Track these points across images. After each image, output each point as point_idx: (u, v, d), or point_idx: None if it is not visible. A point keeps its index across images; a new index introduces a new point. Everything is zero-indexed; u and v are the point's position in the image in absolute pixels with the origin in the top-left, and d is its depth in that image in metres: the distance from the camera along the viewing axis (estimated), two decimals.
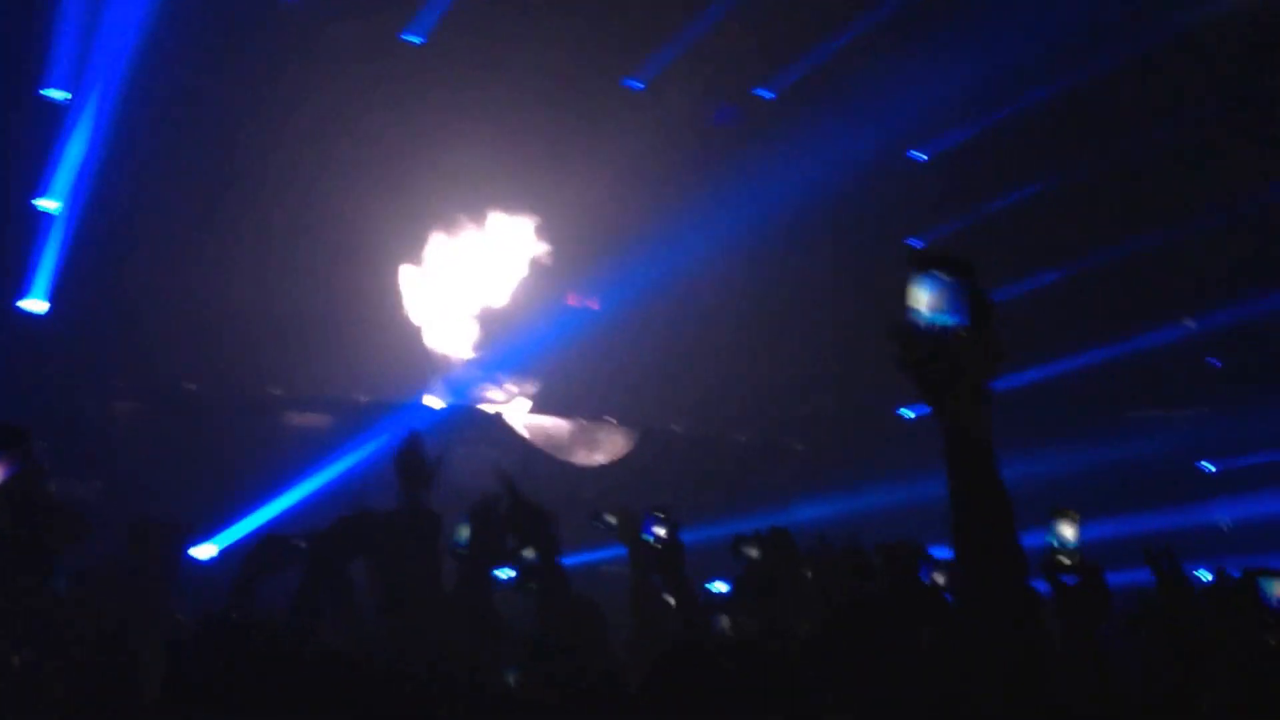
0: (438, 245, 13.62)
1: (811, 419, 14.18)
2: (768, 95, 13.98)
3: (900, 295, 2.59)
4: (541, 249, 14.01)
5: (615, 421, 14.04)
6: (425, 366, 13.40)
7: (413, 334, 13.46)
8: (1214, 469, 14.22)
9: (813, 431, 14.29)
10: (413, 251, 13.52)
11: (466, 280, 13.73)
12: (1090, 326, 13.54)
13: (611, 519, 5.59)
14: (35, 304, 11.44)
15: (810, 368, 13.94)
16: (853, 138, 13.23)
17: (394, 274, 13.41)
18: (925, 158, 14.53)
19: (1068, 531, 3.77)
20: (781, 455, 14.25)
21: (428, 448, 4.95)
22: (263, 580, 4.61)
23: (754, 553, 6.02)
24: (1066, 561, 3.73)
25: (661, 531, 5.52)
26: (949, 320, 2.54)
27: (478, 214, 13.78)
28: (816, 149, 13.06)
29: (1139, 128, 13.01)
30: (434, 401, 13.25)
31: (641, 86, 13.72)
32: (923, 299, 2.54)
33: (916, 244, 13.62)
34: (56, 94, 11.49)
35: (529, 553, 4.92)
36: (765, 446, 14.30)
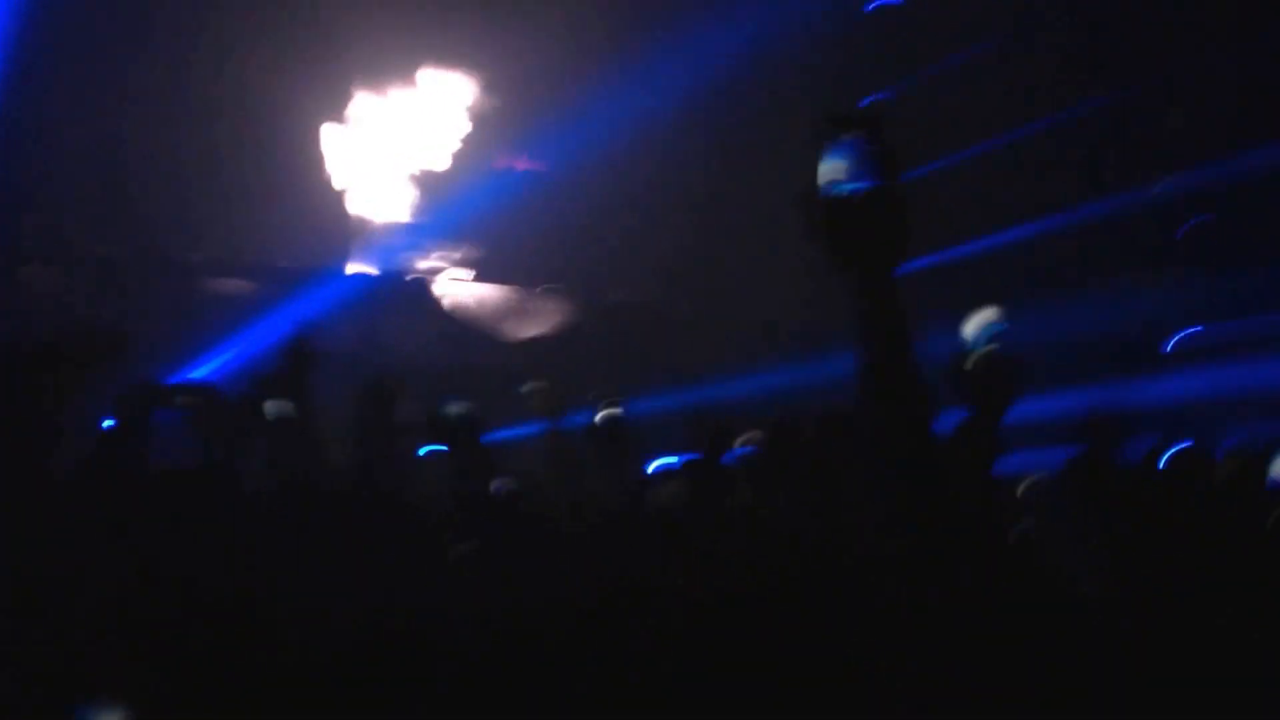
0: (368, 103, 13.39)
1: (761, 289, 14.08)
2: None
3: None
4: (481, 107, 13.79)
5: (559, 290, 13.91)
6: (354, 232, 13.21)
7: (339, 198, 13.23)
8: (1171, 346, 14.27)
9: (761, 302, 14.21)
10: (338, 109, 13.26)
11: (400, 140, 13.49)
12: (1053, 190, 13.46)
13: (534, 387, 5.53)
14: None
15: (764, 236, 13.82)
16: None
17: (318, 133, 13.13)
18: (881, 5, 14.25)
19: (968, 329, 3.70)
20: (732, 327, 14.18)
21: (316, 337, 4.89)
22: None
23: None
24: (967, 365, 3.67)
25: (602, 416, 5.46)
26: (851, 185, 2.56)
27: (409, 69, 13.51)
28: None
29: None
30: (364, 269, 13.07)
31: None
32: (826, 163, 2.56)
33: (867, 101, 13.43)
34: None
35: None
36: (714, 318, 14.23)
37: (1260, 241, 12.27)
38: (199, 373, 10.92)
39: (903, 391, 2.54)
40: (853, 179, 2.57)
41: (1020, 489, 4.40)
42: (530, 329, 13.87)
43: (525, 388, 5.60)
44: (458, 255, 13.76)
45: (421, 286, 13.57)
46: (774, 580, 3.78)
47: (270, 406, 4.73)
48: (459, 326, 13.47)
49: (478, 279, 13.78)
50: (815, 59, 13.38)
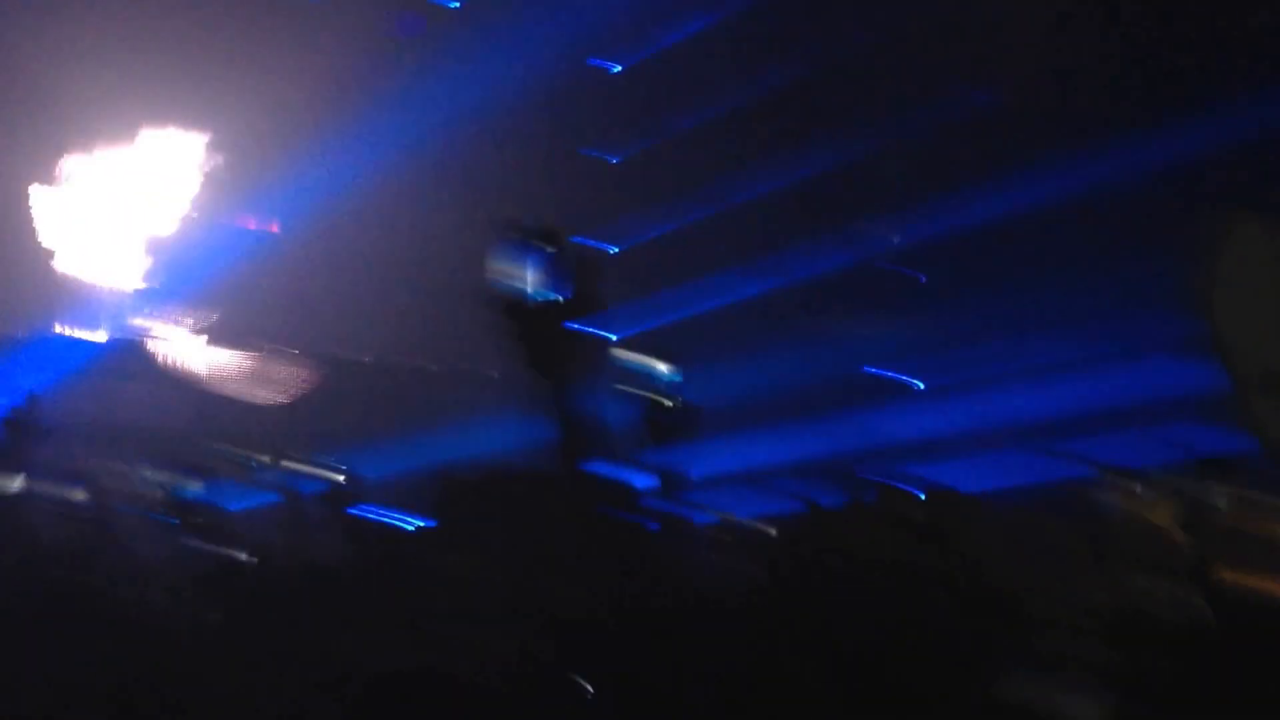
0: (89, 166, 13.00)
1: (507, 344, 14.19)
2: (451, 3, 13.84)
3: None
4: (212, 167, 13.58)
5: (299, 353, 13.77)
6: (80, 297, 12.84)
7: (65, 263, 12.86)
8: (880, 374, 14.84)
9: (508, 357, 14.32)
10: (55, 172, 12.86)
11: (127, 202, 13.17)
12: (789, 244, 13.96)
13: (263, 459, 5.55)
14: None
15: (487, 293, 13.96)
16: (540, 46, 13.23)
17: (30, 197, 12.73)
18: (616, 69, 14.64)
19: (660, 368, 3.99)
20: (477, 383, 14.27)
21: (41, 410, 4.88)
22: None
23: None
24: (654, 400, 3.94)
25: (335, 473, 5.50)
26: (544, 294, 2.77)
27: (129, 132, 13.23)
28: (502, 59, 13.02)
29: (843, 32, 13.40)
30: (94, 335, 12.72)
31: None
32: (519, 270, 2.78)
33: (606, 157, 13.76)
34: None
35: None
36: (459, 374, 14.30)
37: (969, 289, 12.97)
38: None
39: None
40: (543, 286, 2.75)
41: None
42: (275, 392, 13.69)
43: (255, 460, 5.61)
44: (197, 318, 13.51)
45: (156, 351, 13.26)
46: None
47: None
48: (196, 391, 13.21)
49: (215, 343, 13.55)
50: (544, 115, 13.65)
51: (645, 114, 14.20)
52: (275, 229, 13.75)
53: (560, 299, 2.76)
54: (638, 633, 2.64)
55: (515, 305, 2.78)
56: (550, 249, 2.77)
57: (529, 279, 2.76)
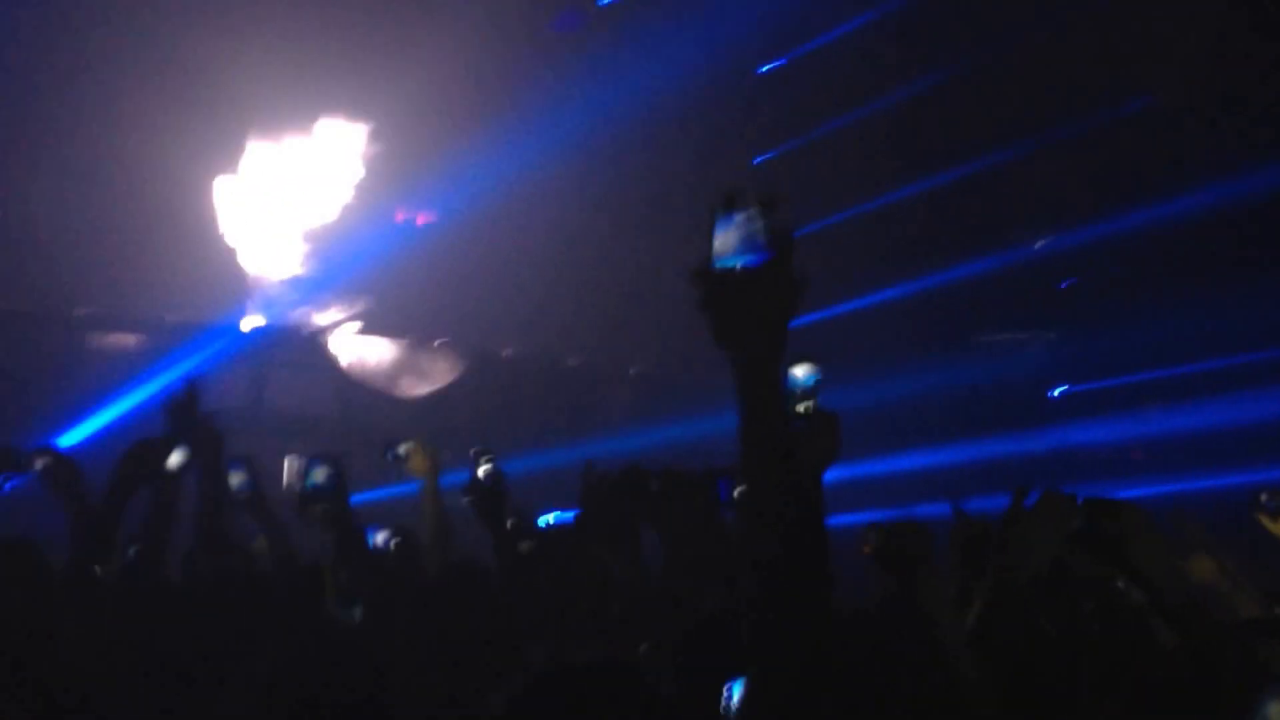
0: (257, 155, 13.43)
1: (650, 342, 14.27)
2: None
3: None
4: (370, 161, 13.87)
5: (447, 344, 14.02)
6: (243, 285, 13.23)
7: (229, 251, 13.27)
8: (1060, 394, 14.69)
9: (651, 355, 14.40)
10: (228, 162, 13.30)
11: (288, 193, 13.54)
12: (939, 246, 13.83)
13: (405, 449, 5.59)
14: None
15: (650, 288, 14.04)
16: (697, 47, 13.27)
17: (208, 187, 13.16)
18: (774, 66, 14.61)
19: (799, 372, 3.90)
20: (619, 380, 14.38)
21: (201, 401, 4.96)
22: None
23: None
24: (799, 408, 3.86)
25: (482, 472, 5.52)
26: (741, 260, 2.64)
27: (301, 124, 13.61)
28: (660, 56, 13.08)
29: (991, 37, 13.23)
30: (251, 322, 13.10)
31: None
32: (721, 238, 2.65)
33: (757, 160, 13.75)
34: None
35: None
36: (601, 370, 14.41)
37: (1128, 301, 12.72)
38: (84, 428, 10.92)
39: (778, 462, 2.67)
40: (744, 253, 2.64)
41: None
42: (421, 383, 13.94)
43: (399, 448, 5.66)
44: (349, 308, 13.82)
45: (313, 340, 13.60)
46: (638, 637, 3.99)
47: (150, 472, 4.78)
48: (350, 380, 13.51)
49: (366, 332, 13.85)
50: (709, 117, 13.66)
51: (796, 112, 14.17)
52: (431, 220, 13.99)
53: (763, 272, 2.66)
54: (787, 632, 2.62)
55: (717, 278, 2.68)
56: (761, 219, 2.68)
57: (735, 250, 2.67)
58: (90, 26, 12.08)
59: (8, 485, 4.85)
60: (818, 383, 3.93)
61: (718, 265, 2.62)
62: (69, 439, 10.45)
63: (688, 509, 4.91)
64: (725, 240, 2.64)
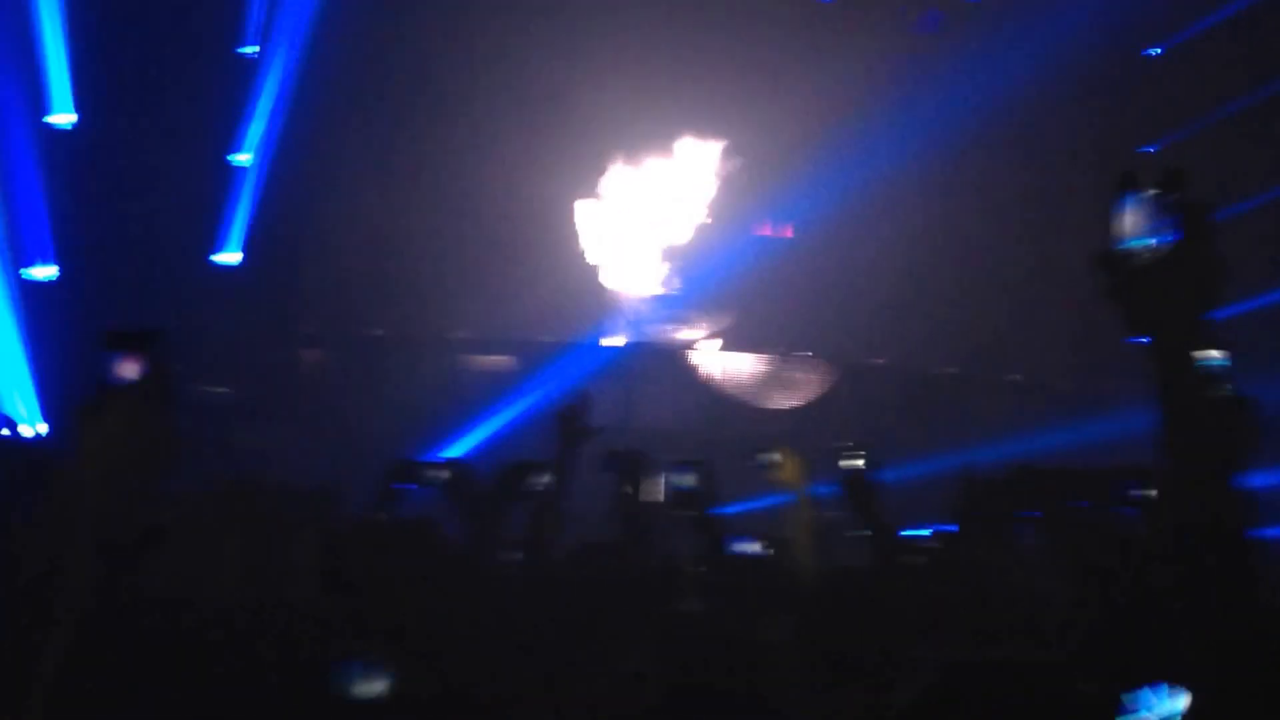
0: (618, 176, 13.74)
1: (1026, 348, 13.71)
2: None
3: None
4: (728, 176, 13.95)
5: (812, 356, 13.86)
6: (607, 304, 13.56)
7: (593, 270, 13.62)
8: None
9: (1030, 362, 13.83)
10: (591, 183, 13.68)
11: (648, 212, 13.78)
12: None
13: (774, 457, 5.49)
14: (229, 256, 12.36)
15: (1028, 290, 13.49)
16: (1072, 34, 12.67)
17: (572, 208, 13.55)
18: (1158, 52, 13.77)
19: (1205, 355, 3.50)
20: (995, 388, 13.84)
21: (589, 410, 5.22)
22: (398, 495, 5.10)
23: None
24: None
25: (855, 466, 5.40)
26: (1152, 241, 2.42)
27: (662, 143, 13.86)
28: (1034, 49, 12.58)
29: None
30: (616, 340, 13.38)
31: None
32: (1124, 220, 2.44)
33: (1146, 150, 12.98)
34: (246, 50, 12.45)
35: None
36: (977, 379, 13.91)
37: None
38: (461, 445, 11.39)
39: (1208, 457, 2.43)
40: (1152, 234, 2.45)
41: None
42: (788, 395, 13.86)
43: (762, 457, 5.57)
44: (712, 324, 13.91)
45: (677, 356, 13.76)
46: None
47: (533, 481, 5.04)
48: (716, 395, 13.59)
49: (730, 347, 13.90)
50: (1089, 104, 13.07)
51: (1188, 96, 13.32)
52: (791, 232, 13.94)
53: (1177, 252, 2.39)
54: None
55: (1123, 260, 2.42)
56: (1169, 197, 2.42)
57: (1141, 231, 2.41)
58: (455, 63, 12.82)
59: (406, 492, 5.22)
60: (1228, 368, 3.59)
61: (1122, 247, 2.40)
62: (450, 453, 10.95)
63: (1081, 509, 4.69)
64: (1128, 221, 2.43)
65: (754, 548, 5.38)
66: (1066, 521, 4.55)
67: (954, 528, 5.08)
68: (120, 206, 11.61)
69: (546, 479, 5.03)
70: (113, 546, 3.65)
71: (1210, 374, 3.51)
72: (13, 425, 9.63)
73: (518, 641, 3.82)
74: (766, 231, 14.02)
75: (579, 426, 5.24)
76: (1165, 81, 13.48)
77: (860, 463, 5.27)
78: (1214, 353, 3.59)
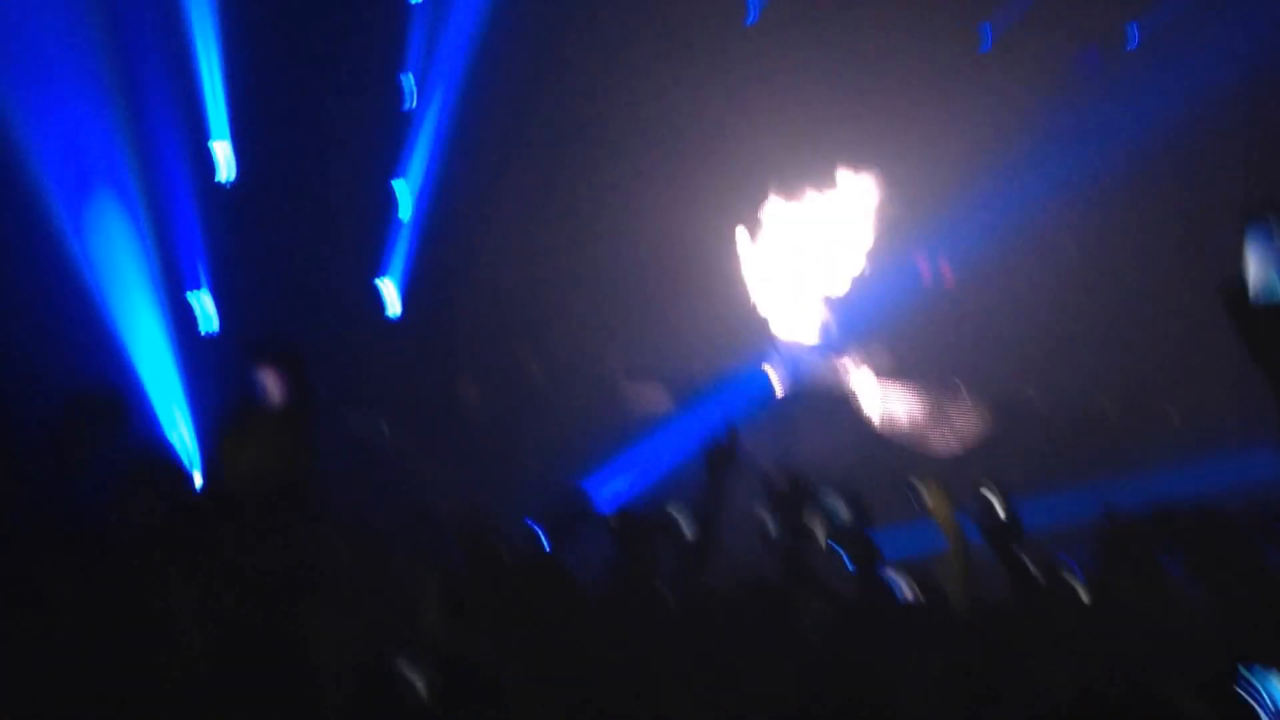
0: (780, 217, 13.85)
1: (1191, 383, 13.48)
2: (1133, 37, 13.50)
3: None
4: (887, 211, 13.99)
5: (965, 389, 13.84)
6: (766, 339, 13.68)
7: (753, 307, 13.76)
8: None
9: (1194, 397, 13.59)
10: (751, 222, 13.82)
11: (808, 247, 13.88)
12: None
13: (921, 487, 5.60)
14: (389, 289, 12.83)
15: (1187, 328, 13.28)
16: (1216, 70, 12.55)
17: (732, 247, 13.72)
18: None
19: None
20: (1157, 424, 13.63)
21: (738, 442, 5.32)
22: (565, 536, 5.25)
23: None
24: None
25: (992, 503, 5.47)
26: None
27: (821, 182, 13.92)
28: (1190, 86, 12.48)
29: None
30: (772, 374, 13.50)
31: (987, 47, 13.76)
32: (1252, 254, 2.42)
33: None
34: (403, 82, 12.84)
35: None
36: (1137, 415, 13.72)
37: None
38: (621, 481, 11.61)
39: None
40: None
41: None
42: (945, 430, 13.84)
43: (912, 487, 5.68)
44: (871, 359, 13.97)
45: (836, 391, 13.84)
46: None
47: (686, 525, 5.20)
48: (873, 430, 13.64)
49: (888, 381, 13.93)
50: (1225, 144, 12.91)
51: None
52: (950, 268, 13.95)
53: None
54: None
55: (1249, 305, 2.40)
56: None
57: (1270, 269, 2.40)
58: (615, 101, 13.10)
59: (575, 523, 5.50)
60: None
61: (1255, 295, 2.37)
62: (608, 490, 11.14)
63: (1226, 550, 4.70)
64: (1259, 258, 2.36)
65: (904, 579, 5.52)
66: (1208, 561, 4.58)
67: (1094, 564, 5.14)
68: (279, 236, 11.89)
69: (697, 514, 5.15)
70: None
71: None
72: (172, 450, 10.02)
73: (671, 675, 3.97)
74: (926, 272, 14.03)
75: (727, 460, 5.34)
76: None
77: (996, 498, 5.36)
78: None
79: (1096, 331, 13.37)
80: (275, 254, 11.78)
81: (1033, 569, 5.23)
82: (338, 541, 5.12)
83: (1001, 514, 5.39)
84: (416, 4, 12.60)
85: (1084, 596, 4.73)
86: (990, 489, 5.44)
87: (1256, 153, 12.90)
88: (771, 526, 5.48)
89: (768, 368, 13.65)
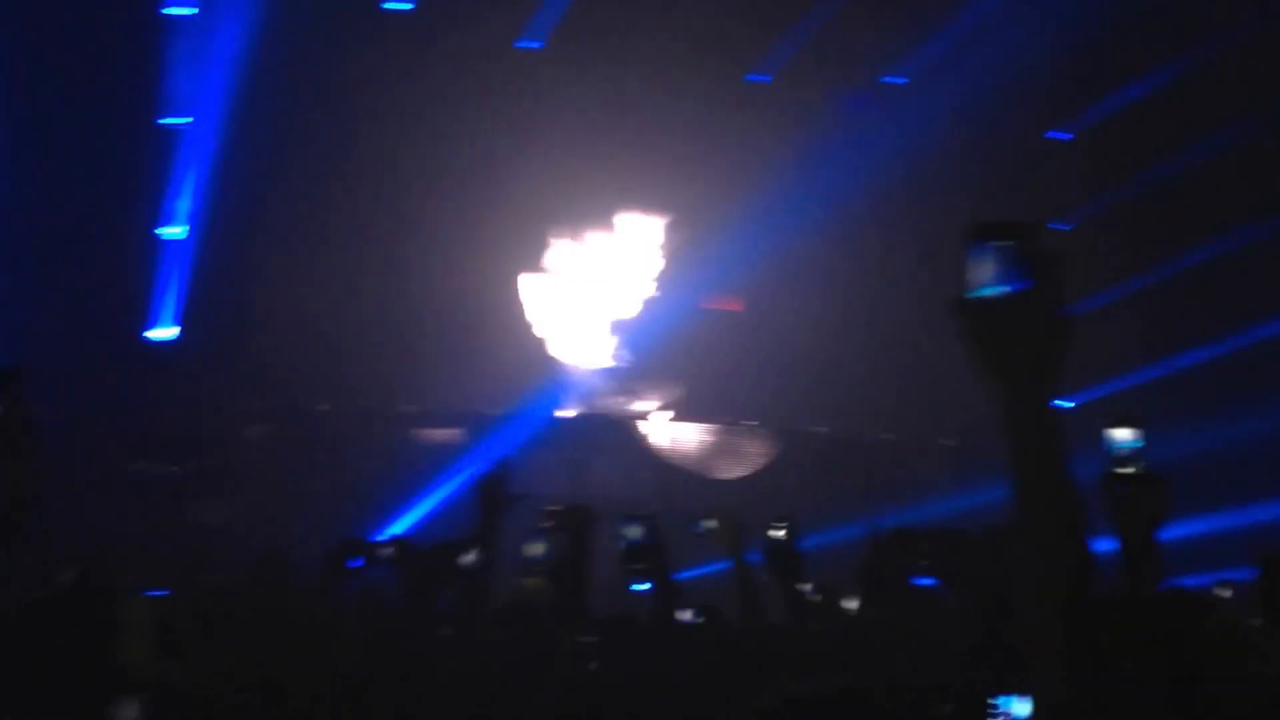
0: (563, 251, 13.96)
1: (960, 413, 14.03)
2: (898, 80, 14.05)
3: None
4: (672, 250, 14.22)
5: (757, 425, 14.16)
6: (556, 376, 13.74)
7: (541, 344, 13.82)
8: None
9: (963, 426, 14.14)
10: (536, 258, 13.88)
11: (594, 286, 14.01)
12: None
13: (710, 524, 5.74)
14: (165, 331, 12.29)
15: (956, 361, 13.77)
16: (987, 119, 13.19)
17: (517, 283, 13.77)
18: (1068, 137, 14.36)
19: (1120, 435, 3.76)
20: (930, 452, 14.17)
21: (511, 479, 5.31)
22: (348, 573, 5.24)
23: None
24: (1124, 469, 3.73)
25: (779, 536, 5.65)
26: (1002, 288, 2.53)
27: (604, 218, 14.08)
28: (950, 131, 13.08)
29: None
30: (565, 412, 13.58)
31: (768, 79, 14.02)
32: (976, 269, 2.54)
33: (1061, 228, 13.44)
34: (176, 120, 12.23)
35: None
36: (912, 444, 14.24)
37: None
38: (407, 519, 11.51)
39: (1055, 512, 2.49)
40: (1001, 281, 2.51)
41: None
42: (736, 465, 14.11)
43: (703, 524, 5.80)
44: (661, 395, 14.15)
45: (627, 427, 13.99)
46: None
47: (464, 557, 5.21)
48: (660, 465, 13.82)
49: (679, 418, 14.15)
50: (1008, 185, 13.54)
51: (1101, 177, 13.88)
52: (740, 306, 14.21)
53: (1026, 294, 2.48)
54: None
55: (972, 307, 2.51)
56: (1012, 242, 2.51)
57: (991, 279, 2.51)
58: (396, 136, 13.00)
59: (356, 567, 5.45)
60: (1140, 447, 3.81)
61: (973, 295, 2.51)
62: (397, 528, 11.03)
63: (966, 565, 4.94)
64: (980, 269, 2.53)
65: (689, 613, 5.65)
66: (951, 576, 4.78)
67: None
68: (50, 281, 11.62)
69: (476, 552, 5.15)
70: None
71: (1122, 453, 3.77)
72: None
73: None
74: (715, 304, 14.25)
75: (499, 496, 5.32)
76: (1070, 163, 14.08)
77: (783, 533, 5.57)
78: (1122, 433, 3.85)
79: (878, 366, 13.74)
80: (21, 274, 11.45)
81: (808, 592, 5.43)
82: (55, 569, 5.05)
83: (785, 549, 5.58)
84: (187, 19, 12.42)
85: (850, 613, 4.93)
86: (774, 527, 5.64)
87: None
88: (547, 554, 5.44)
89: (561, 406, 13.73)
